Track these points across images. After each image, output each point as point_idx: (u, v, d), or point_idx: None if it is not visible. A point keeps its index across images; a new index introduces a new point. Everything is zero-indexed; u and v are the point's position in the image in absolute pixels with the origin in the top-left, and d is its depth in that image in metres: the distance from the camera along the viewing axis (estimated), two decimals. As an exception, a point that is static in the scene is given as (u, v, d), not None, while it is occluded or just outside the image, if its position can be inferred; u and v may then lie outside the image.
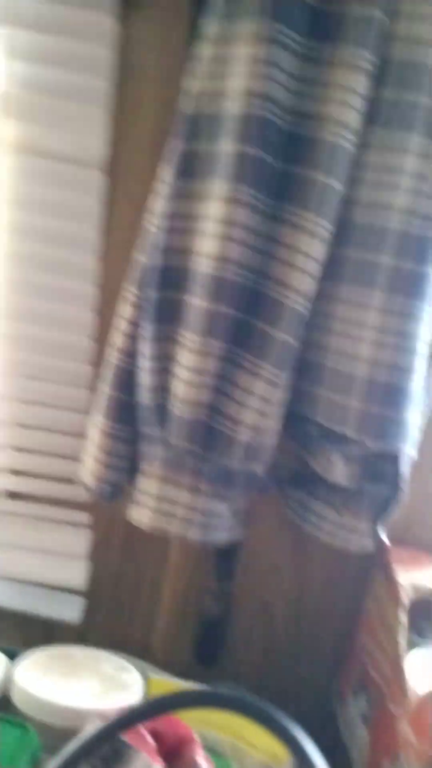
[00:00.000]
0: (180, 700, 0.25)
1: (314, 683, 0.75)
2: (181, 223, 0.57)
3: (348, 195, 0.55)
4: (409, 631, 0.62)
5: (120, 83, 0.65)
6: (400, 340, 0.55)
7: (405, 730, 0.52)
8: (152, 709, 0.25)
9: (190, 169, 0.56)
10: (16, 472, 0.73)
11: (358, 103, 0.53)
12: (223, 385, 0.57)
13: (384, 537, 0.62)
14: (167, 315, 0.58)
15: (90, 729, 0.26)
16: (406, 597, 0.61)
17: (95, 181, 0.66)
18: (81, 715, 0.50)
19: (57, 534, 0.73)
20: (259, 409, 0.57)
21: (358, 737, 0.62)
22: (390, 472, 0.59)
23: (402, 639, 0.59)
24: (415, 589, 0.63)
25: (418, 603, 0.63)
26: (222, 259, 0.54)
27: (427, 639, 0.62)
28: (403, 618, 0.59)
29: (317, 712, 0.68)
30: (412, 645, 0.59)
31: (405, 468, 0.58)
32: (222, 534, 0.63)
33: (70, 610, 0.73)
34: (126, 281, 0.61)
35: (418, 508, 0.71)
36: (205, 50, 0.55)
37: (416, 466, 0.61)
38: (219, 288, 0.55)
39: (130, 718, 0.25)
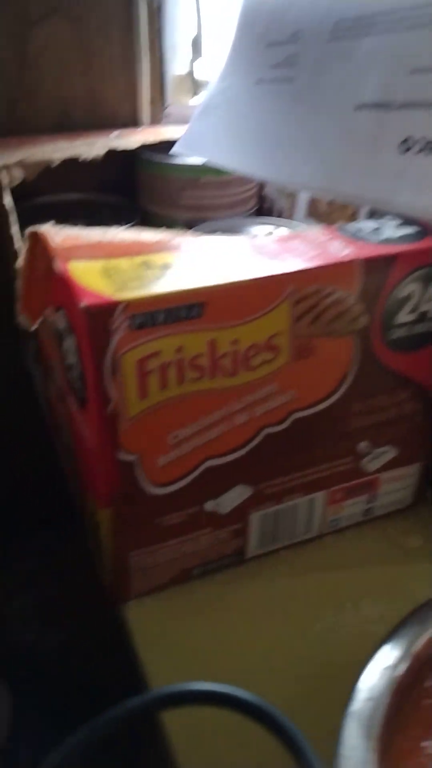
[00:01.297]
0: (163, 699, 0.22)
1: None
2: None
3: None
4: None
5: None
6: None
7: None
8: (141, 707, 0.22)
9: None
10: None
11: None
12: None
13: None
14: None
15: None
16: (6, 178, 0.44)
17: None
18: None
19: None
20: None
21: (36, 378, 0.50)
22: None
23: (12, 230, 0.42)
24: (24, 165, 0.46)
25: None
26: None
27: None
28: (5, 203, 0.42)
29: None
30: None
31: None
32: None
33: None
34: None
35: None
36: None
37: None
38: None
39: (116, 718, 0.22)
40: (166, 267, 0.29)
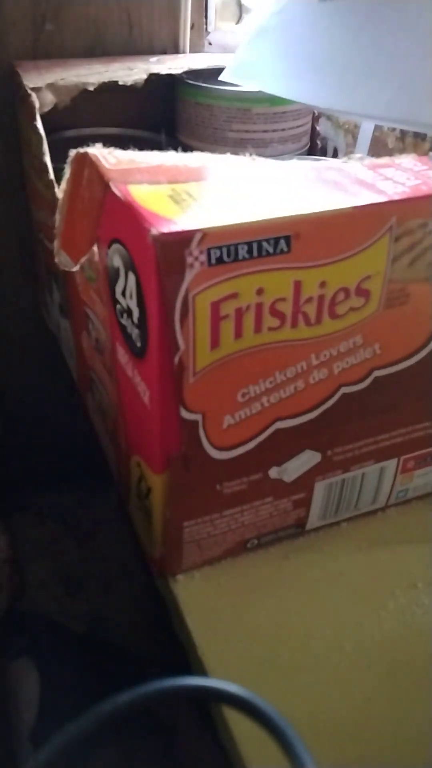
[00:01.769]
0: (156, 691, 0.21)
1: None
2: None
3: None
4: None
5: None
6: None
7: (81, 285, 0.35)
8: (129, 704, 0.21)
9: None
10: None
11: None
12: None
13: None
14: None
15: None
16: (36, 101, 0.39)
17: None
18: None
19: None
20: None
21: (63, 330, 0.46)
22: None
23: (47, 159, 0.38)
24: (56, 89, 0.41)
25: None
26: None
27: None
28: (39, 128, 0.38)
29: None
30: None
31: None
32: None
33: None
34: None
35: None
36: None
37: None
38: None
39: (113, 712, 0.21)
40: (244, 193, 0.25)
